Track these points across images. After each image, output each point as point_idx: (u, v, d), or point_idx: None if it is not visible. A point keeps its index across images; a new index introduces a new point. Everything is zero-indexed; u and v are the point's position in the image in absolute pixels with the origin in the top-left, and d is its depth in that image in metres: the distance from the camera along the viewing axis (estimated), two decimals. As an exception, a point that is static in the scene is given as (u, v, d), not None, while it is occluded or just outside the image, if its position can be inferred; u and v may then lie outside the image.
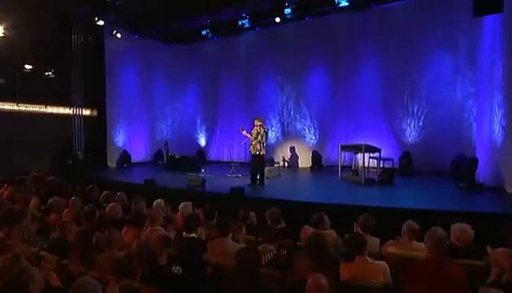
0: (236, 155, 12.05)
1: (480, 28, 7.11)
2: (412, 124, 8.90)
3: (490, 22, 5.93)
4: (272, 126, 11.27)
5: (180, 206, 4.12)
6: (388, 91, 9.21)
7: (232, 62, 12.00)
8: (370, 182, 6.79)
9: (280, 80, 11.09)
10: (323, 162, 10.00)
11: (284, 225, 3.60)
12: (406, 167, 8.26)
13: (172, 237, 3.22)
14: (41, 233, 3.90)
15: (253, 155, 7.25)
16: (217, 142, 12.60)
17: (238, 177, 8.34)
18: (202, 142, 13.02)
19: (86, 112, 10.84)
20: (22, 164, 8.50)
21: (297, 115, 10.82)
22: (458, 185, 6.02)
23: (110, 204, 4.06)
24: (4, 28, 8.71)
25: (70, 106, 10.45)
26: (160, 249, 2.62)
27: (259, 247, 2.70)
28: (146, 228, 3.57)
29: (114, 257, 2.60)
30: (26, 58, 9.57)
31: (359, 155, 7.79)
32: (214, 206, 3.98)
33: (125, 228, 3.59)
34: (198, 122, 13.10)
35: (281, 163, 10.52)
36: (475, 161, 5.91)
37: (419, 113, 8.81)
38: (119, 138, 11.36)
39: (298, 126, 10.80)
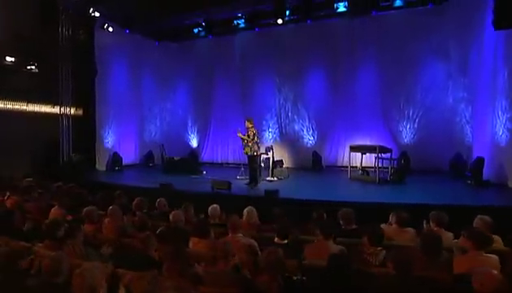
0: (232, 156, 12.02)
1: (471, 38, 7.87)
2: (408, 126, 9.50)
3: (491, 34, 6.55)
4: (270, 127, 11.33)
5: (245, 210, 4.00)
6: (384, 95, 9.73)
7: (226, 61, 11.83)
8: (383, 182, 7.14)
9: (278, 81, 11.17)
10: (322, 162, 10.28)
11: (355, 225, 3.68)
12: (405, 166, 8.78)
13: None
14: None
15: (251, 156, 7.27)
16: (210, 143, 12.36)
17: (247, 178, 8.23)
18: (194, 143, 12.68)
19: (73, 111, 10.04)
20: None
21: (295, 117, 10.99)
22: (466, 182, 6.58)
23: (173, 212, 3.82)
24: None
25: (55, 104, 9.62)
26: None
27: (371, 249, 2.76)
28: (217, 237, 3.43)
29: (227, 271, 2.48)
30: (5, 49, 8.64)
31: (367, 156, 8.15)
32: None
33: (194, 239, 3.40)
34: (190, 123, 12.73)
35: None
36: (481, 160, 6.50)
37: (414, 116, 9.43)
38: (109, 139, 10.68)
39: (296, 127, 10.97)
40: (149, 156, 11.83)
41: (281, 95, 11.19)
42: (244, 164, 9.06)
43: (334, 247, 2.92)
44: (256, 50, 11.32)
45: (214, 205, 4.18)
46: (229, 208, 4.56)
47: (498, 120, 6.45)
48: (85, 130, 10.13)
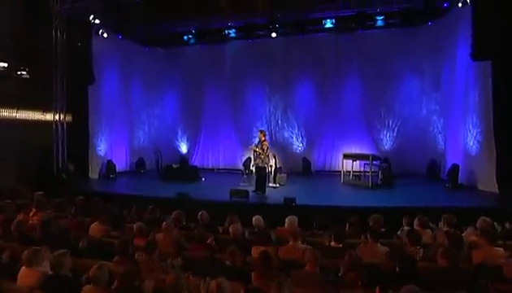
0: (222, 161, 12.43)
1: (443, 59, 9.21)
2: (388, 135, 10.65)
3: (463, 57, 7.77)
4: (260, 134, 11.91)
5: (288, 219, 4.55)
6: (367, 105, 10.80)
7: (216, 69, 12.16)
8: (375, 186, 8.09)
9: (268, 90, 11.79)
10: (311, 168, 11.11)
11: (383, 229, 4.42)
12: (389, 171, 9.88)
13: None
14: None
15: (260, 167, 7.87)
16: (201, 149, 12.62)
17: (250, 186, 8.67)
18: (184, 149, 12.86)
19: (66, 118, 9.82)
20: None
21: (285, 124, 11.69)
22: (445, 185, 7.76)
23: (232, 225, 4.24)
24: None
25: (48, 110, 9.37)
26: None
27: (412, 248, 3.50)
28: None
29: (318, 274, 3.03)
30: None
31: (358, 162, 9.09)
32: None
33: (256, 247, 3.86)
34: (179, 129, 12.86)
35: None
36: (457, 167, 7.70)
37: (393, 125, 10.61)
38: (101, 147, 10.53)
39: (286, 134, 11.69)
40: (139, 163, 11.82)
41: (271, 104, 11.82)
42: (244, 171, 9.61)
43: (381, 248, 3.62)
44: (247, 59, 11.80)
45: (258, 216, 4.69)
46: (248, 216, 5.02)
47: (469, 133, 7.69)
48: (78, 138, 9.92)
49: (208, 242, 4.04)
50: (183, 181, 9.47)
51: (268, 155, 7.70)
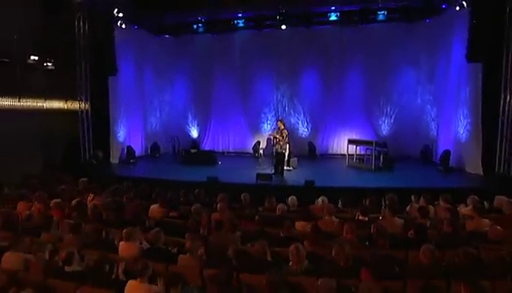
0: (232, 145, 13.32)
1: (438, 54, 10.17)
2: (386, 121, 11.73)
3: (457, 55, 8.77)
4: (268, 120, 12.80)
5: (320, 199, 5.52)
6: (368, 94, 11.78)
7: (225, 57, 12.74)
8: (378, 169, 9.20)
9: (276, 79, 12.55)
10: (316, 151, 12.15)
11: (397, 205, 5.48)
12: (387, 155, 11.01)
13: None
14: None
15: (279, 153, 8.81)
16: (211, 133, 13.40)
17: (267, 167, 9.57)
18: (194, 133, 13.60)
19: (90, 107, 10.37)
20: (18, 164, 8.09)
21: (292, 111, 12.58)
22: (438, 168, 8.95)
23: (278, 205, 5.15)
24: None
25: (73, 100, 9.91)
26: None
27: (422, 220, 4.58)
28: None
29: (356, 241, 4.04)
30: (28, 48, 8.73)
31: (361, 147, 10.14)
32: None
33: (299, 222, 4.80)
34: (190, 114, 13.54)
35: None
36: (448, 152, 8.88)
37: (391, 113, 11.68)
38: (121, 133, 11.19)
39: (292, 120, 12.58)
40: (154, 147, 12.54)
41: (279, 92, 12.63)
42: (254, 154, 10.54)
43: (398, 221, 4.67)
44: (255, 49, 12.41)
45: (293, 196, 5.67)
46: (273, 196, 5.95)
47: (460, 123, 8.83)
48: (100, 125, 10.50)
49: (256, 219, 5.00)
50: (201, 164, 10.30)
51: (287, 142, 8.60)
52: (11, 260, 3.62)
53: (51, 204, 5.41)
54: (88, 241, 4.10)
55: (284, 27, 11.22)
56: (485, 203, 5.21)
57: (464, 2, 7.94)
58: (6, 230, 4.27)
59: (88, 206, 5.43)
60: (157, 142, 12.67)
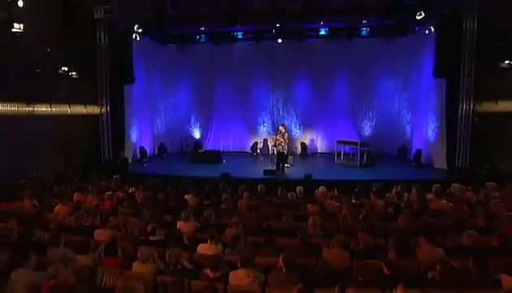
0: (232, 146, 14.69)
1: (412, 66, 11.95)
2: (368, 124, 13.47)
3: (428, 68, 10.52)
4: (264, 122, 14.26)
5: (321, 188, 7.02)
6: (352, 100, 13.48)
7: (225, 65, 14.06)
8: (362, 165, 10.85)
9: (271, 85, 14.03)
10: (307, 151, 13.73)
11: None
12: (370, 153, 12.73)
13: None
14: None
15: (281, 152, 10.29)
16: (213, 134, 14.71)
17: (266, 164, 11.05)
18: (197, 134, 14.85)
19: (108, 111, 11.41)
20: (47, 164, 9.15)
21: (285, 114, 14.10)
22: (412, 164, 10.72)
23: (289, 193, 6.64)
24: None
25: (88, 105, 10.96)
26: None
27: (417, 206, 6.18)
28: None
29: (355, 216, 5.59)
30: (58, 59, 9.75)
31: (347, 146, 11.77)
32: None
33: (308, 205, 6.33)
34: (192, 117, 14.77)
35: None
36: (420, 151, 10.69)
37: (372, 117, 13.42)
38: (134, 135, 12.33)
39: (286, 123, 13.99)
40: (161, 148, 13.73)
41: (274, 97, 14.11)
42: (252, 154, 12.00)
43: (380, 202, 6.23)
44: (253, 58, 13.80)
45: (300, 186, 7.14)
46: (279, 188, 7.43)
47: (429, 126, 10.63)
48: (117, 128, 11.60)
49: (273, 203, 6.44)
50: (209, 162, 11.63)
51: (288, 144, 10.10)
52: (103, 234, 4.89)
53: (105, 196, 6.63)
54: (153, 221, 5.40)
55: (280, 40, 12.68)
56: (447, 189, 6.88)
57: (432, 28, 9.69)
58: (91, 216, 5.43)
59: (137, 196, 6.70)
60: (163, 142, 13.85)
